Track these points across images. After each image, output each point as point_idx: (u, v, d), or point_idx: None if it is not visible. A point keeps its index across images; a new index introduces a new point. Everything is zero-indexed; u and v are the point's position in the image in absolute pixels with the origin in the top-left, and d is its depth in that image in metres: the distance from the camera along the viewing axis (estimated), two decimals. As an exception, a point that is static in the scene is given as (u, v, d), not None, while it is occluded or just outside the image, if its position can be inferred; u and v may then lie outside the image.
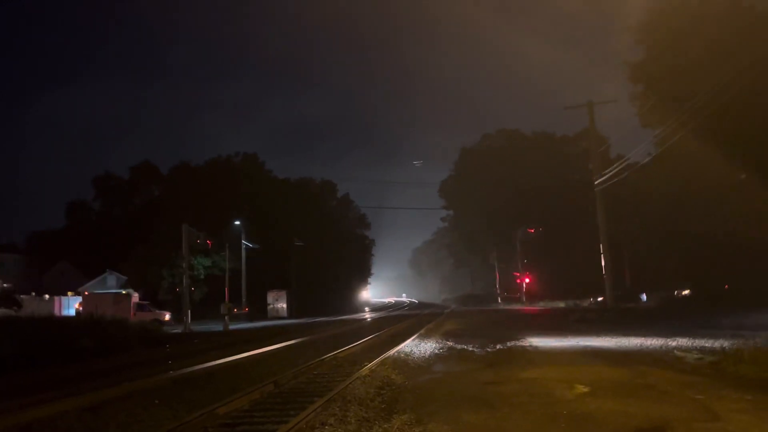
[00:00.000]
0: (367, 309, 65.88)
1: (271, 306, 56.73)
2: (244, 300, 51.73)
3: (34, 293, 55.98)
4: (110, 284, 60.79)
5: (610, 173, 27.65)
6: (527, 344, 17.62)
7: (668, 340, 16.64)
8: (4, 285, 53.08)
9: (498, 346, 17.21)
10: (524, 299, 60.15)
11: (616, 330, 20.92)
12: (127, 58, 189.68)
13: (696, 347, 14.44)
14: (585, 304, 45.17)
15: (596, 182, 27.90)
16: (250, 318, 50.59)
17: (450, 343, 18.72)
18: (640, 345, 16.04)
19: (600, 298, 43.74)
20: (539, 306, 50.61)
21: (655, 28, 28.70)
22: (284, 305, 56.81)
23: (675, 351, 14.06)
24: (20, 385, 13.02)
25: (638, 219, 49.70)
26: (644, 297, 43.94)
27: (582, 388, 9.49)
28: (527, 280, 62.05)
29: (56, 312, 51.06)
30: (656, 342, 16.38)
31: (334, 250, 69.51)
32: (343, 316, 50.94)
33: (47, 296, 56.59)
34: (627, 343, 16.78)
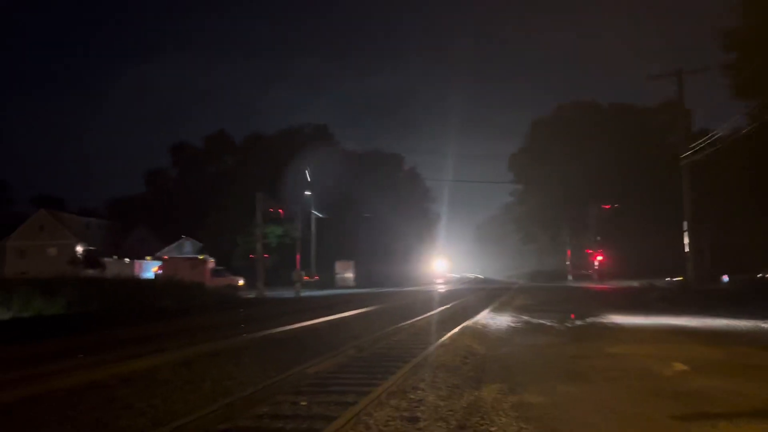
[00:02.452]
0: (432, 282, 65.87)
1: (339, 275, 57.54)
2: (313, 268, 52.65)
3: (115, 256, 58.83)
4: (186, 250, 63.06)
5: (698, 147, 26.23)
6: (608, 321, 17.09)
7: (759, 322, 15.81)
8: (90, 248, 55.91)
9: (577, 322, 16.78)
10: (596, 277, 58.61)
11: (699, 310, 20.02)
12: (205, 32, 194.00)
13: (796, 330, 13.63)
14: (661, 283, 43.56)
15: (682, 156, 26.54)
16: (319, 286, 51.51)
17: (525, 317, 18.40)
18: (728, 326, 15.30)
19: (678, 278, 42.12)
20: (612, 284, 49.19)
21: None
22: (351, 275, 57.51)
23: (773, 333, 13.33)
24: (111, 341, 13.60)
25: (721, 197, 47.32)
26: (726, 278, 41.94)
27: (680, 366, 9.07)
28: (600, 258, 60.35)
29: (137, 274, 53.50)
30: (747, 323, 15.58)
31: (401, 222, 69.61)
32: (410, 288, 51.11)
33: (127, 259, 59.36)
34: (714, 323, 16.03)
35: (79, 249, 56.88)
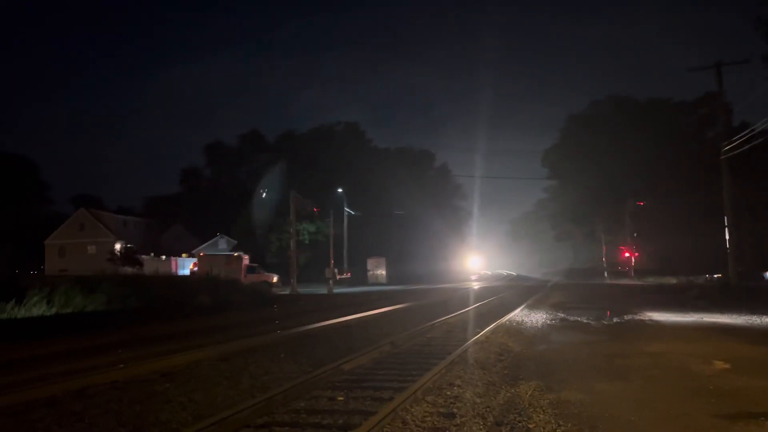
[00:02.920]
0: (465, 279, 65.55)
1: (371, 272, 57.66)
2: (345, 265, 52.90)
3: (152, 254, 59.95)
4: (222, 247, 63.95)
5: (738, 140, 25.54)
6: (646, 318, 16.82)
7: (807, 321, 15.38)
8: (127, 245, 57.06)
9: (615, 320, 16.55)
10: (632, 274, 57.60)
11: (741, 308, 19.51)
12: (240, 33, 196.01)
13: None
14: (700, 281, 42.61)
15: (722, 150, 25.88)
16: (352, 283, 51.73)
17: (561, 315, 18.21)
18: (773, 324, 14.91)
19: (718, 275, 41.13)
20: (649, 281, 48.29)
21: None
22: (383, 272, 57.56)
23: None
24: (149, 337, 13.86)
25: (763, 192, 46.01)
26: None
27: (721, 364, 8.89)
28: (636, 254, 59.27)
29: (173, 271, 54.50)
30: (793, 322, 15.18)
31: (433, 219, 69.44)
32: (442, 285, 50.95)
33: (164, 257, 60.46)
34: (758, 322, 15.66)
35: (118, 246, 58.03)
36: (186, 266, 56.23)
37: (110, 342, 12.80)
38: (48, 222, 66.02)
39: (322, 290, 39.60)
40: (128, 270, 42.54)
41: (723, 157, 25.56)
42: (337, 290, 40.58)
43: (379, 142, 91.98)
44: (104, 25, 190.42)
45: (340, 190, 54.82)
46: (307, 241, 57.51)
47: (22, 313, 19.61)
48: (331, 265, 42.05)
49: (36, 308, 20.25)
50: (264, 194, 57.41)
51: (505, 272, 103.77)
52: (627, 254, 59.92)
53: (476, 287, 43.83)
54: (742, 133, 24.27)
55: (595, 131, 62.61)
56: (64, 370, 8.97)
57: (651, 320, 16.32)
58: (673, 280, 45.66)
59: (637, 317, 17.11)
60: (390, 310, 20.99)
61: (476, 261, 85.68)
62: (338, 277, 46.07)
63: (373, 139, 79.68)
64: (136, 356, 10.35)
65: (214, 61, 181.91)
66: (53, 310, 20.80)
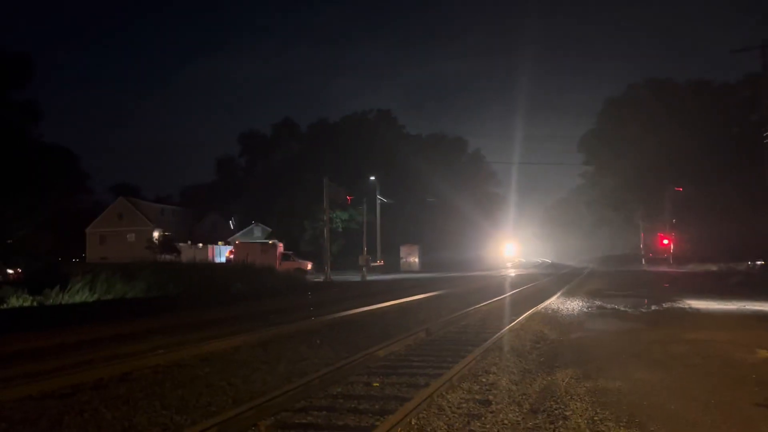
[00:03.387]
0: (500, 266, 65.16)
1: (404, 259, 57.69)
2: (378, 253, 53.04)
3: (189, 242, 61.05)
4: (257, 235, 64.76)
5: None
6: (686, 306, 16.51)
7: None
8: (165, 233, 58.18)
9: (653, 307, 16.29)
10: (672, 261, 56.46)
11: (786, 296, 19.03)
12: (274, 23, 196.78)
13: None
14: (741, 267, 41.55)
15: (766, 134, 25.15)
16: (384, 270, 51.89)
17: (598, 302, 17.99)
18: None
19: (760, 262, 40.06)
20: (688, 268, 47.29)
21: None
22: (416, 259, 57.52)
23: None
24: (188, 323, 14.12)
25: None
26: (813, 263, 39.56)
27: (764, 353, 8.70)
28: (675, 241, 58.05)
29: (210, 259, 55.42)
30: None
31: (466, 206, 69.07)
32: (476, 273, 50.76)
33: (201, 244, 61.51)
34: (803, 310, 15.23)
35: (156, 235, 59.26)
36: (222, 254, 57.15)
37: (151, 328, 13.12)
38: (88, 211, 67.75)
39: (356, 277, 39.81)
40: (166, 257, 43.47)
41: (766, 140, 24.83)
42: (370, 277, 40.75)
43: (412, 128, 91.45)
44: (143, 17, 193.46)
45: (372, 177, 54.83)
46: (340, 229, 57.81)
47: (66, 299, 20.26)
48: (364, 253, 42.22)
49: (79, 295, 20.88)
50: (297, 183, 57.88)
51: (540, 259, 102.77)
52: (666, 241, 58.73)
53: (511, 275, 43.55)
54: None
55: (634, 115, 61.21)
56: (108, 355, 9.24)
57: (691, 308, 16.01)
58: (713, 267, 44.63)
59: (677, 305, 16.81)
60: (423, 298, 21.01)
61: (512, 248, 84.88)
62: (371, 264, 46.24)
63: (405, 125, 79.34)
64: (176, 342, 10.59)
65: (249, 52, 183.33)
66: (95, 297, 21.42)
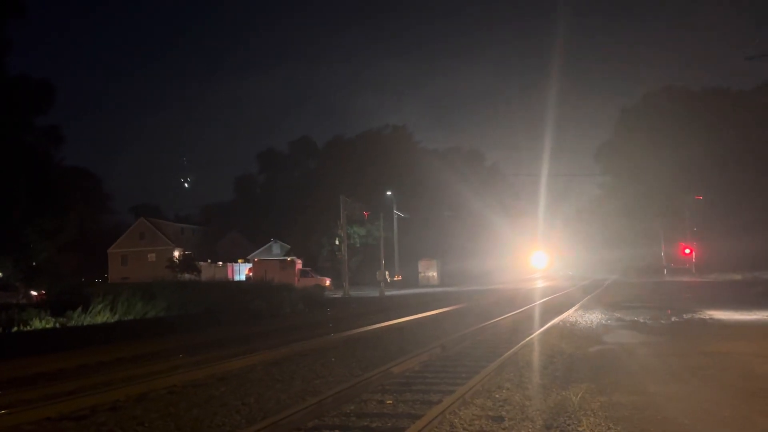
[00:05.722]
0: (518, 279, 64.70)
1: (422, 274, 57.56)
2: (396, 268, 53.04)
3: (209, 260, 61.59)
4: (275, 252, 65.10)
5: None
6: (707, 317, 16.29)
7: None
8: (185, 252, 58.73)
9: (673, 319, 16.09)
10: (693, 270, 55.70)
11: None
12: (296, 45, 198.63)
13: None
14: (766, 277, 40.89)
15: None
16: (403, 285, 51.82)
17: (617, 315, 17.81)
18: None
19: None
20: (710, 278, 46.61)
21: None
22: (435, 273, 57.35)
23: None
24: (207, 342, 14.24)
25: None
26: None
27: (786, 365, 8.55)
28: (697, 251, 57.32)
29: (229, 277, 55.82)
30: None
31: (484, 219, 68.88)
32: (495, 286, 50.52)
33: (220, 263, 62.01)
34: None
35: (176, 254, 59.86)
36: (241, 272, 57.54)
37: (169, 348, 13.26)
38: (110, 231, 68.69)
39: (374, 293, 39.80)
40: (186, 276, 43.87)
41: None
42: (388, 293, 40.71)
43: (429, 143, 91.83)
44: (162, 38, 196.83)
45: (389, 192, 55.01)
46: (358, 245, 57.92)
47: (87, 320, 20.49)
48: (382, 268, 42.26)
49: (100, 316, 21.12)
50: (315, 200, 58.24)
51: (563, 271, 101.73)
52: (687, 250, 58.00)
53: (528, 288, 43.23)
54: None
55: (651, 125, 60.86)
56: (126, 376, 9.37)
57: (712, 319, 15.80)
58: (737, 277, 43.98)
59: (698, 316, 16.59)
60: (440, 313, 20.97)
61: (541, 259, 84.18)
62: (389, 279, 46.22)
63: (421, 140, 79.73)
64: (193, 362, 10.70)
65: (264, 72, 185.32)
66: (116, 317, 21.63)
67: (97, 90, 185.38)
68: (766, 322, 14.70)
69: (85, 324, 19.92)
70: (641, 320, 16.02)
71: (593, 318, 16.88)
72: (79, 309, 20.89)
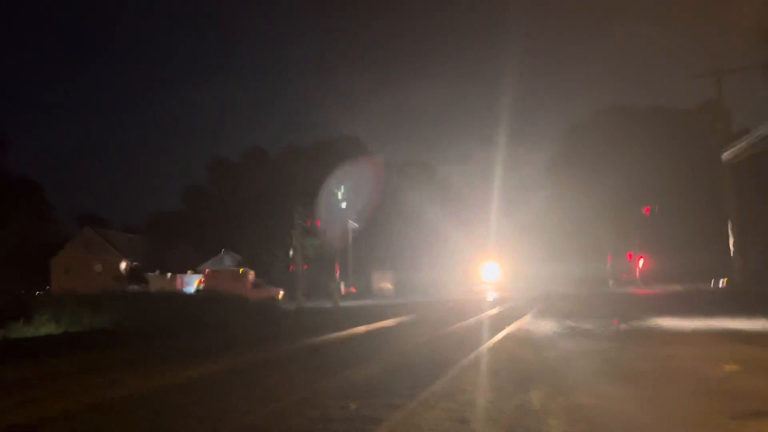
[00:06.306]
0: (472, 290, 65.40)
1: (377, 285, 57.57)
2: (350, 279, 52.90)
3: (158, 271, 60.11)
4: (227, 263, 63.93)
5: (738, 147, 25.64)
6: (653, 324, 16.80)
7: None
8: (133, 263, 57.22)
9: (622, 326, 16.54)
10: (639, 281, 57.50)
11: (749, 312, 19.52)
12: (245, 54, 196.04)
13: None
14: (707, 286, 42.59)
15: (723, 157, 26.01)
16: (357, 296, 51.69)
17: (569, 323, 18.19)
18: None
19: (722, 281, 41.11)
20: (655, 288, 48.20)
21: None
22: (390, 284, 57.43)
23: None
24: (159, 354, 13.86)
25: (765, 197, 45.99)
26: (774, 281, 40.71)
27: (732, 367, 8.90)
28: (641, 263, 59.22)
29: (178, 288, 54.55)
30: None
31: (438, 231, 69.55)
32: (450, 297, 50.95)
33: (169, 274, 60.58)
34: (765, 326, 15.63)
35: (123, 265, 58.29)
36: (191, 283, 56.28)
37: (118, 359, 12.89)
38: (53, 242, 66.25)
39: (328, 304, 39.55)
40: (134, 288, 42.72)
41: (724, 163, 25.68)
42: (343, 304, 40.52)
43: (384, 155, 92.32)
44: (107, 48, 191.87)
45: (344, 204, 54.87)
46: (312, 255, 57.54)
47: (30, 332, 19.73)
48: (336, 279, 42.10)
49: (44, 327, 20.38)
50: (267, 210, 57.66)
51: (516, 282, 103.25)
52: (632, 262, 59.86)
53: (484, 298, 43.78)
54: (738, 140, 24.42)
55: (597, 141, 62.79)
56: (77, 389, 9.04)
57: (657, 326, 16.30)
58: (680, 287, 45.63)
59: (645, 323, 17.10)
60: (397, 322, 21.04)
61: (492, 270, 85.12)
62: (344, 291, 46.03)
63: (377, 153, 79.98)
64: (142, 373, 10.40)
65: (219, 81, 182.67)
66: (61, 329, 20.91)
67: (43, 98, 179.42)
68: (707, 329, 15.26)
69: (28, 336, 19.18)
70: (591, 328, 16.41)
71: (546, 326, 17.20)
72: (21, 321, 20.13)
